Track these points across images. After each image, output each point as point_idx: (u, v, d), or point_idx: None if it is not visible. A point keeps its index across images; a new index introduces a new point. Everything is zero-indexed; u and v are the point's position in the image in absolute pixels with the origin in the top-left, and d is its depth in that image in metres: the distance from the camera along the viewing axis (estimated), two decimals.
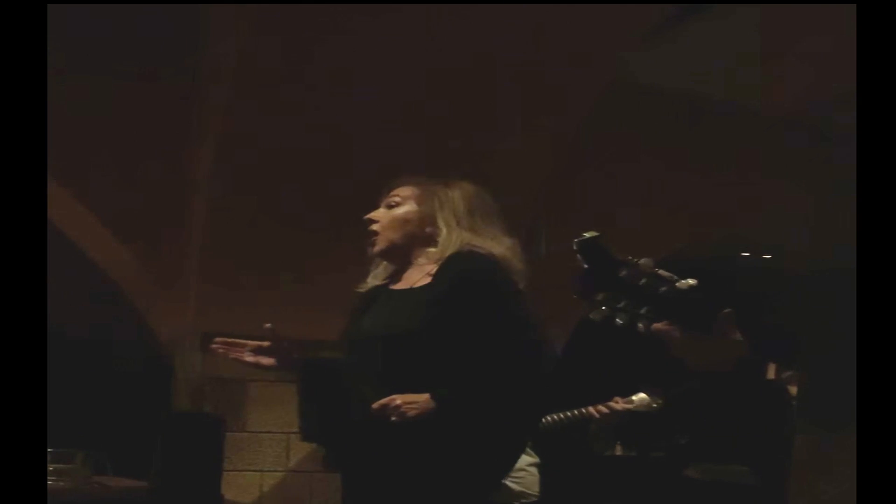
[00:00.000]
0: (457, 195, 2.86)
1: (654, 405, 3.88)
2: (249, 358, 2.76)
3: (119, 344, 6.70)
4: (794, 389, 2.14)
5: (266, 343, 2.75)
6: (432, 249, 2.79)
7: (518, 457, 2.81)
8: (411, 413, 2.56)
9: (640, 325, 1.70)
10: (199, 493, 3.82)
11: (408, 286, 2.78)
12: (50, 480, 3.65)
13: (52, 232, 4.66)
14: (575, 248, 1.69)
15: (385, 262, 2.90)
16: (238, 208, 5.13)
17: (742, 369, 1.92)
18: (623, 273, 1.68)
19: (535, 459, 4.11)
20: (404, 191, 2.87)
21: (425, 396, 2.58)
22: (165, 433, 3.93)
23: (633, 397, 3.93)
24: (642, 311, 1.69)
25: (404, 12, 4.47)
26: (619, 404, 3.90)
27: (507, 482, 4.01)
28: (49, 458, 3.56)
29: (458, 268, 2.70)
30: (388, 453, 2.63)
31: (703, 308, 1.75)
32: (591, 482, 4.46)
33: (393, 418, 2.56)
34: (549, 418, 3.98)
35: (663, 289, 1.69)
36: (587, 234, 1.71)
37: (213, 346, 2.76)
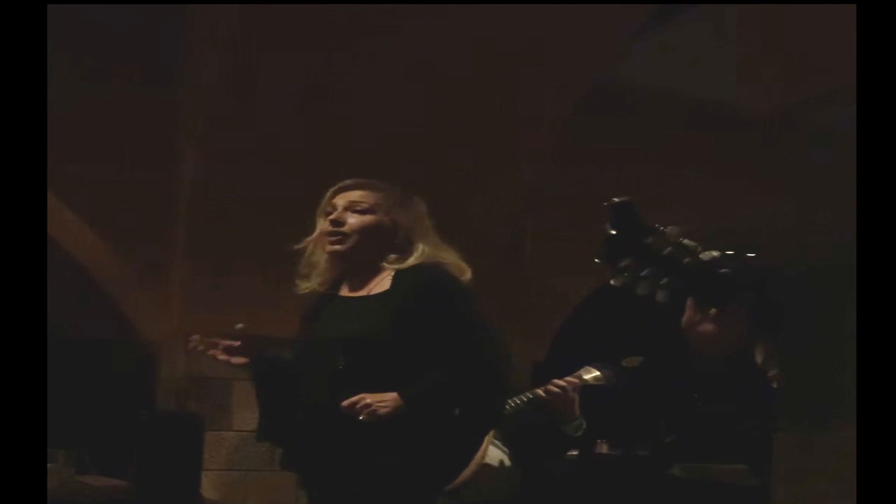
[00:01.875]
0: (422, 208, 2.95)
1: (606, 380, 3.91)
2: (222, 356, 2.78)
3: (103, 344, 6.67)
4: (776, 386, 2.14)
5: (237, 343, 2.78)
6: (394, 257, 2.85)
7: (474, 452, 2.89)
8: (382, 412, 2.62)
9: (660, 295, 1.70)
10: (178, 492, 3.81)
11: (366, 293, 2.85)
12: None
13: None
14: (606, 211, 1.69)
15: (322, 265, 2.92)
16: (223, 209, 5.12)
17: (730, 366, 1.92)
18: (649, 240, 1.68)
19: (506, 451, 4.11)
20: (369, 196, 2.92)
21: (393, 395, 2.64)
22: (144, 432, 3.92)
23: (585, 375, 3.95)
24: (663, 281, 1.69)
25: (392, 15, 4.47)
26: (563, 381, 3.91)
27: (481, 477, 4.01)
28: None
29: (427, 277, 2.80)
30: (344, 452, 2.67)
31: (723, 285, 1.75)
32: (573, 480, 4.46)
33: (362, 417, 2.60)
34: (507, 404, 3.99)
35: (686, 260, 1.69)
36: (619, 199, 1.71)
37: (191, 342, 2.79)
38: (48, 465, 3.89)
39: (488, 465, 4.02)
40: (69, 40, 4.85)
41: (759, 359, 2.15)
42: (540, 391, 3.92)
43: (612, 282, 1.71)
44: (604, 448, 5.14)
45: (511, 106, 5.06)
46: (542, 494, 4.11)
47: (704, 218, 6.27)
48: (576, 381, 3.92)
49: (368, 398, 2.64)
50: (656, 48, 5.35)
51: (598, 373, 3.93)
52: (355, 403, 2.64)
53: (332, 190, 2.97)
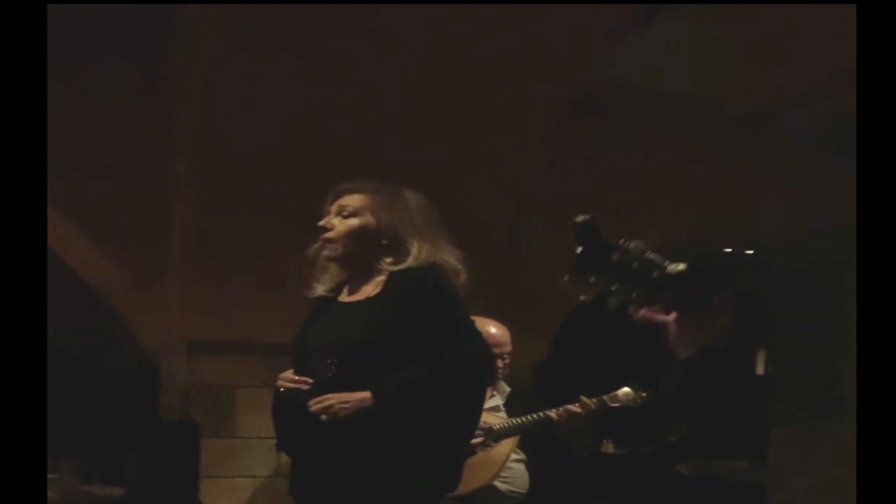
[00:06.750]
0: (412, 206, 2.90)
1: (640, 399, 3.87)
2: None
3: (105, 352, 6.67)
4: (774, 383, 2.14)
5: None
6: (389, 260, 2.81)
7: (460, 453, 2.87)
8: (343, 412, 2.60)
9: (631, 308, 1.71)
10: (177, 500, 3.80)
11: (364, 297, 2.83)
12: None
13: None
14: (571, 230, 1.71)
15: (334, 269, 2.92)
16: (222, 214, 5.11)
17: (730, 363, 1.92)
18: (615, 256, 1.70)
19: (523, 457, 4.10)
20: (356, 200, 2.90)
21: (361, 395, 2.63)
22: (142, 440, 3.92)
23: (618, 392, 3.91)
24: (633, 294, 1.70)
25: (382, 11, 4.47)
26: (577, 408, 3.87)
27: (497, 483, 4.01)
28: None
29: (414, 281, 2.76)
30: (336, 460, 2.66)
31: (695, 293, 1.75)
32: (581, 480, 4.46)
33: (324, 417, 2.59)
34: (516, 420, 3.99)
35: (654, 273, 1.70)
36: (581, 217, 1.73)
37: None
38: (52, 475, 3.89)
39: (508, 469, 4.03)
40: (66, 45, 4.85)
41: (755, 360, 2.15)
42: (553, 413, 3.88)
43: (581, 297, 1.73)
44: (609, 447, 5.13)
45: (508, 102, 5.06)
46: (549, 492, 4.12)
47: (697, 215, 6.28)
48: (606, 401, 3.88)
49: (332, 398, 2.64)
50: (649, 44, 5.33)
51: (634, 394, 3.88)
52: (319, 403, 2.64)
53: (331, 195, 2.96)
